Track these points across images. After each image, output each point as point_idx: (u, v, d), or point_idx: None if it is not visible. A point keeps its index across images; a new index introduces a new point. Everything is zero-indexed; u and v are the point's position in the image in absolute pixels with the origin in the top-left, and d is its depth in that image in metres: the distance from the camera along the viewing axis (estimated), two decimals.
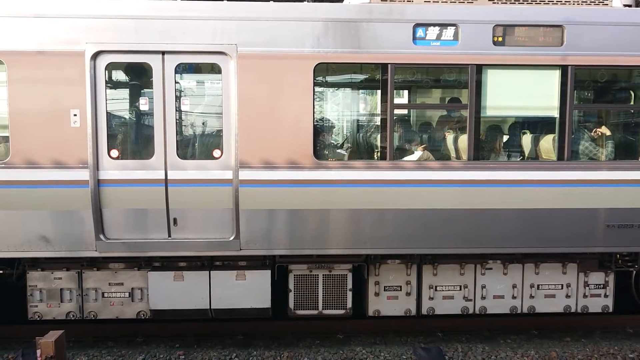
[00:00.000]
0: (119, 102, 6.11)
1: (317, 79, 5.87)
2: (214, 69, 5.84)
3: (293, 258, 6.29)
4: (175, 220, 5.77)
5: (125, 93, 6.32)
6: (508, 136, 6.65)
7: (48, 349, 4.48)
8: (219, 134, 5.81)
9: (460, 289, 6.53)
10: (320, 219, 5.84)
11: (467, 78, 5.83)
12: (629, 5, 6.26)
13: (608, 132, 6.28)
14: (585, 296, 6.60)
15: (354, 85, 7.03)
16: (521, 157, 6.52)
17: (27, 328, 6.40)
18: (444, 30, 5.73)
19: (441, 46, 5.74)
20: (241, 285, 6.13)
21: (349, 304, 6.42)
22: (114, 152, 5.68)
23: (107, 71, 5.62)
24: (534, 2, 6.04)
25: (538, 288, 6.56)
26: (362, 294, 6.66)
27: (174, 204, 5.73)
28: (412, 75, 6.41)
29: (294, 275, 6.37)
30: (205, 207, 5.77)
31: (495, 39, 5.75)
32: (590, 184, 5.96)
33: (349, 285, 6.40)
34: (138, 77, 6.09)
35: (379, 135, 6.09)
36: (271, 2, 5.96)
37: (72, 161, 5.58)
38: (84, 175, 5.57)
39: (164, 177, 5.69)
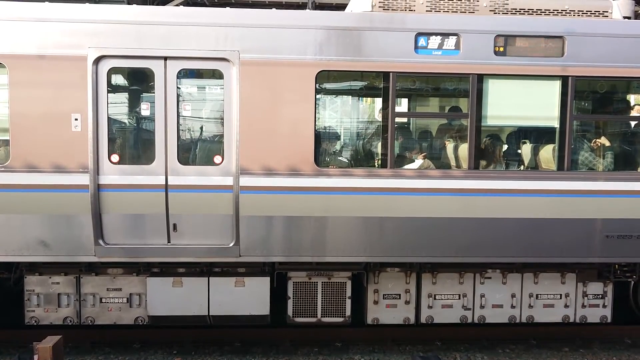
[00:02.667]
0: (120, 106, 6.11)
1: (319, 86, 5.89)
2: (216, 75, 5.84)
3: (292, 265, 6.27)
4: (174, 226, 5.76)
5: (126, 98, 6.32)
6: (508, 145, 6.66)
7: (46, 354, 4.46)
8: (219, 139, 5.81)
9: (459, 298, 6.51)
10: (320, 226, 5.83)
11: (468, 87, 5.85)
12: (629, 17, 6.31)
13: (608, 143, 6.32)
14: (584, 306, 6.59)
15: (356, 93, 7.05)
16: (521, 167, 6.54)
17: (23, 333, 6.35)
18: (446, 40, 5.75)
19: (442, 55, 5.76)
20: (240, 291, 6.10)
21: (348, 312, 6.39)
22: (115, 157, 5.66)
23: (108, 76, 5.61)
24: (535, 13, 6.07)
25: (537, 298, 6.55)
26: (361, 302, 6.64)
27: (174, 209, 5.71)
28: (413, 84, 6.43)
29: (293, 282, 6.34)
30: (205, 213, 5.75)
31: (497, 49, 5.78)
32: (590, 194, 5.97)
33: (348, 293, 6.37)
34: (140, 82, 6.09)
35: (379, 143, 6.10)
36: (274, 9, 5.98)
37: (72, 165, 5.56)
38: (84, 179, 5.56)
39: (164, 183, 5.68)
